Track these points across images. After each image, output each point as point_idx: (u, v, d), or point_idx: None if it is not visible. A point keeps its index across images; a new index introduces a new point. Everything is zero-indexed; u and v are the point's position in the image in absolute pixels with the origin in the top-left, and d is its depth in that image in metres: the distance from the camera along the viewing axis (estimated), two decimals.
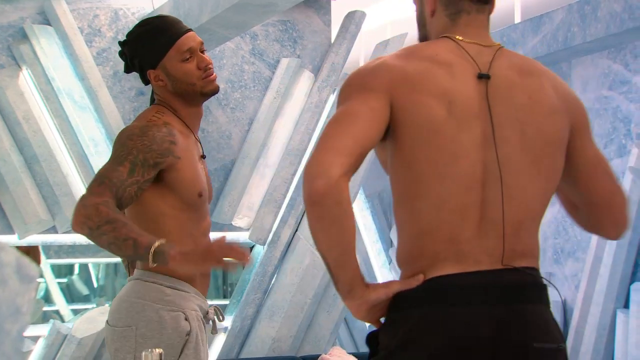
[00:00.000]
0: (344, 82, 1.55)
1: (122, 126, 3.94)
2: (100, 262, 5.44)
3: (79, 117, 3.99)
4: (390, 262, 6.13)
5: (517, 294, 1.40)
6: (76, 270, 5.44)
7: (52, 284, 5.28)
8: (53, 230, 3.97)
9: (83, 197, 1.85)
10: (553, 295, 4.58)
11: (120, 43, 2.08)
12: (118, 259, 4.44)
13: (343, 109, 1.47)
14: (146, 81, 2.04)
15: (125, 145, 1.91)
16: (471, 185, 1.45)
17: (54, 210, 3.95)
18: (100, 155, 3.96)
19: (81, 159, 4.02)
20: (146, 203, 1.97)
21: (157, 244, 1.79)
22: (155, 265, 1.78)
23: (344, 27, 4.34)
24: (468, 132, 1.46)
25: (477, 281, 1.38)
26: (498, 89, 1.51)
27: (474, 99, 1.49)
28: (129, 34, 2.05)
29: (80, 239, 4.01)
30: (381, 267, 6.01)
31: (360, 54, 5.58)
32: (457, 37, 1.55)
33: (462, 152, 1.45)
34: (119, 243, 1.80)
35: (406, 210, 1.48)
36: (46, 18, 4.01)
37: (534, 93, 1.52)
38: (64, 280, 5.43)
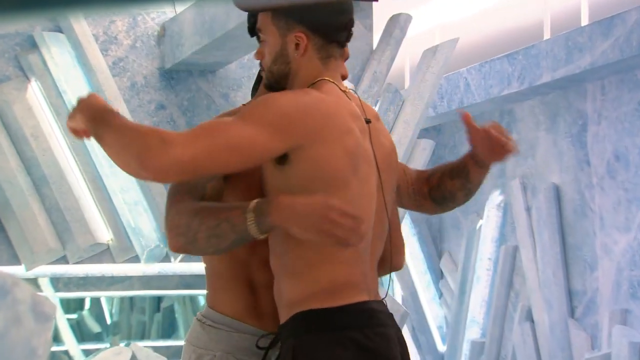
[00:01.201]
0: (267, 104, 1.78)
1: None
2: (114, 296, 5.49)
3: None
4: (441, 295, 6.09)
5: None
6: (87, 304, 5.49)
7: (61, 320, 5.33)
8: (63, 260, 4.02)
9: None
10: (630, 336, 4.51)
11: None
12: (135, 292, 4.48)
13: (244, 131, 1.74)
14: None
15: None
16: (371, 205, 1.85)
17: (65, 237, 4.01)
18: (116, 176, 4.01)
19: (95, 180, 4.08)
20: None
21: (251, 207, 1.72)
22: (265, 235, 1.74)
23: (387, 31, 4.37)
24: (372, 176, 1.82)
25: (382, 308, 1.83)
26: (374, 135, 1.85)
27: (369, 146, 1.83)
28: None
29: (93, 270, 4.06)
30: (430, 301, 5.97)
31: (406, 62, 5.59)
32: (336, 83, 1.85)
33: (371, 193, 1.83)
34: (216, 232, 1.76)
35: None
36: (57, 25, 4.09)
37: (387, 137, 1.90)
38: (74, 316, 5.48)
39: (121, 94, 4.15)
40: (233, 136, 1.72)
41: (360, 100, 1.92)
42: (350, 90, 1.93)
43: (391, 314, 1.89)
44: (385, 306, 1.89)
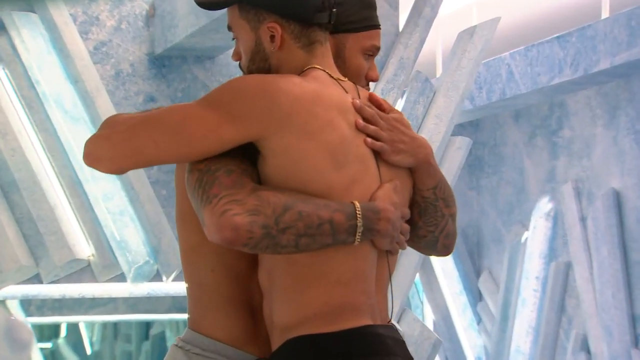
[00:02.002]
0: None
1: None
2: (95, 321, 5.50)
3: (71, 130, 4.06)
4: (479, 321, 6.07)
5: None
6: (63, 331, 5.50)
7: (33, 349, 5.34)
8: (36, 279, 4.03)
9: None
10: None
11: None
12: (120, 316, 4.49)
13: (193, 116, 1.83)
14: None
15: None
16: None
17: (38, 253, 4.02)
18: (97, 180, 4.02)
19: (73, 185, 4.08)
20: None
21: (359, 213, 1.81)
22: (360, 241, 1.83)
23: (415, 10, 4.36)
24: (366, 177, 1.89)
25: (389, 333, 1.84)
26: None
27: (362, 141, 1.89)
28: None
29: (71, 290, 4.07)
30: (467, 328, 5.95)
31: (437, 46, 5.59)
32: (326, 71, 1.90)
33: (368, 194, 1.89)
34: (313, 232, 1.78)
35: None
36: (29, 4, 4.10)
37: None
38: (48, 345, 5.49)
39: (104, 84, 4.16)
40: (180, 120, 1.79)
41: (359, 92, 1.96)
42: (347, 80, 1.95)
43: (402, 341, 1.90)
44: (395, 331, 1.90)
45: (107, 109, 4.08)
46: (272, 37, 1.87)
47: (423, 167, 1.97)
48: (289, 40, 1.88)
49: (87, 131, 4.07)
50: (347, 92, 1.92)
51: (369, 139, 1.89)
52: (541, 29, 5.50)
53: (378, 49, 2.16)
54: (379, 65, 4.41)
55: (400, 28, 4.46)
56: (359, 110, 1.90)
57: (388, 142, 1.92)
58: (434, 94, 4.36)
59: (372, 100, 1.97)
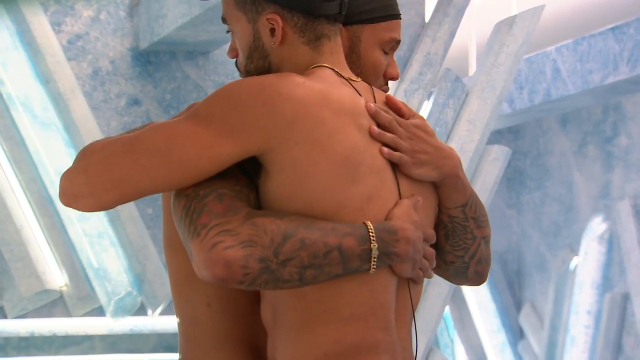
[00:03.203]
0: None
1: None
2: None
3: (41, 138, 4.07)
4: None
5: None
6: None
7: None
8: (0, 313, 4.03)
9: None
10: None
11: None
12: (98, 357, 4.49)
13: (183, 133, 1.82)
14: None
15: None
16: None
17: (2, 283, 4.02)
18: None
19: (44, 203, 4.09)
20: None
21: (373, 236, 1.82)
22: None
23: None
24: (384, 192, 1.89)
25: None
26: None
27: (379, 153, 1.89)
28: None
29: (41, 326, 4.06)
30: None
31: (470, 39, 5.58)
32: (335, 69, 1.90)
33: (384, 213, 1.88)
34: (319, 262, 1.79)
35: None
36: None
37: None
38: None
39: (79, 84, 4.17)
40: (167, 140, 1.78)
41: (374, 94, 1.95)
42: (360, 80, 1.95)
43: None
44: None
45: (82, 114, 4.09)
46: (272, 31, 1.87)
47: (449, 182, 1.96)
48: (291, 35, 1.88)
49: (59, 140, 4.07)
50: (360, 94, 1.92)
51: (385, 149, 1.89)
52: (593, 19, 5.49)
53: (398, 42, 2.15)
54: (402, 61, 4.40)
55: (427, 18, 4.47)
56: (373, 115, 1.89)
57: (408, 152, 1.92)
58: (466, 96, 4.36)
59: (390, 103, 1.96)
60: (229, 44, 1.95)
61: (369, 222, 1.81)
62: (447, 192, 1.97)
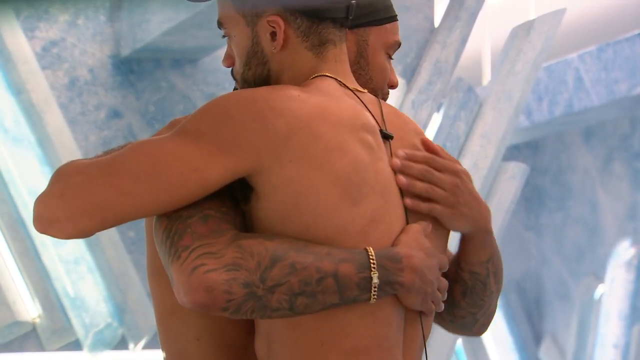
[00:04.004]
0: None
1: None
2: None
3: (12, 155, 4.07)
4: None
5: None
6: None
7: None
8: None
9: None
10: None
11: None
12: None
13: (169, 154, 1.82)
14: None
15: None
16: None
17: None
18: None
19: (15, 226, 4.09)
20: None
21: (373, 263, 1.81)
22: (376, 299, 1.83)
23: (456, 0, 4.38)
24: (390, 216, 1.86)
25: None
26: (397, 152, 1.90)
27: (389, 168, 1.88)
28: None
29: None
30: None
31: (484, 45, 5.59)
32: (338, 79, 1.89)
33: (390, 238, 1.86)
34: (312, 289, 1.79)
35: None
36: None
37: (417, 149, 1.95)
38: None
39: (54, 95, 4.18)
40: (152, 161, 1.78)
41: (381, 106, 1.95)
42: (365, 91, 1.95)
43: None
44: None
45: (58, 128, 4.09)
46: (273, 35, 1.87)
47: (480, 237, 1.96)
48: (294, 39, 1.88)
49: (32, 156, 4.08)
50: (366, 107, 1.91)
51: (411, 200, 1.89)
52: (619, 23, 5.51)
53: (399, 45, 2.18)
54: (409, 70, 4.42)
55: (437, 23, 4.48)
56: (404, 170, 1.89)
57: (448, 204, 1.92)
58: (480, 107, 4.37)
59: (426, 147, 1.94)
60: (225, 51, 1.95)
61: (370, 248, 1.80)
62: (475, 247, 1.97)
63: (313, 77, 1.90)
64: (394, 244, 1.84)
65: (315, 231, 1.81)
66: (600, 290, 5.84)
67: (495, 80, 4.42)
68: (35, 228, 1.87)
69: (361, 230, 1.82)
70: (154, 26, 4.10)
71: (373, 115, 1.91)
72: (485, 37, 5.56)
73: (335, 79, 1.91)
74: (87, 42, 4.29)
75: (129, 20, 4.25)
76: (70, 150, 4.12)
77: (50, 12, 4.25)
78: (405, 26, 4.42)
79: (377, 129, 1.90)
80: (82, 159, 1.86)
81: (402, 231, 1.86)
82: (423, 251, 1.85)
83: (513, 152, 6.06)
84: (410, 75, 4.45)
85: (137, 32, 4.20)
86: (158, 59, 4.33)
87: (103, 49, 4.30)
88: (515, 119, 4.36)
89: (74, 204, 1.81)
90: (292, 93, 1.84)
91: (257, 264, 1.75)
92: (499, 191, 4.34)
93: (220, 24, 1.94)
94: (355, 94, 1.92)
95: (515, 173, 4.37)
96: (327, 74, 1.90)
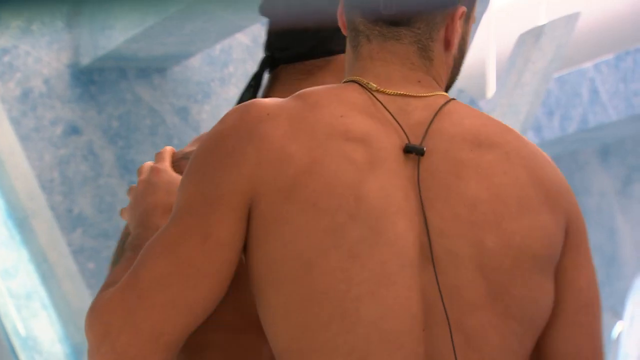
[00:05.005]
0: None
1: (42, 197, 4.01)
2: None
3: None
4: None
5: None
6: None
7: None
8: None
9: None
10: None
11: None
12: None
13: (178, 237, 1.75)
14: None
15: None
16: (401, 332, 1.67)
17: None
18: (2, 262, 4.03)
19: None
20: None
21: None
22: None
23: None
24: (388, 248, 1.69)
25: None
26: (437, 172, 1.71)
27: (398, 191, 1.70)
28: None
29: None
30: None
31: (489, 54, 5.62)
32: (370, 83, 1.78)
33: (383, 279, 1.67)
34: None
35: None
36: None
37: (497, 178, 1.72)
38: None
39: (5, 108, 4.19)
40: (174, 262, 1.71)
41: (441, 111, 1.76)
42: (424, 96, 1.78)
43: None
44: None
45: (8, 145, 4.10)
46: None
47: None
48: (348, 33, 1.85)
49: None
50: (394, 117, 1.76)
51: None
52: (639, 30, 5.54)
53: None
54: None
55: None
56: None
57: None
58: None
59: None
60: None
61: None
62: None
63: (344, 83, 1.82)
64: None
65: (282, 270, 1.77)
66: (618, 328, 5.86)
67: (501, 92, 4.44)
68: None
69: (339, 267, 1.71)
70: (118, 33, 4.11)
71: (401, 126, 1.75)
72: (490, 45, 5.59)
73: (359, 83, 1.80)
74: (43, 49, 4.30)
75: (90, 25, 4.26)
76: (22, 171, 4.12)
77: (2, 17, 4.26)
78: None
79: (382, 139, 1.75)
80: (108, 290, 1.82)
81: None
82: None
83: None
84: None
85: (99, 38, 4.21)
86: (122, 69, 4.34)
87: (60, 58, 4.31)
88: (523, 135, 4.37)
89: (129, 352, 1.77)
90: (261, 114, 1.79)
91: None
92: None
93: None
94: (376, 98, 1.79)
95: None
96: (354, 77, 1.81)
